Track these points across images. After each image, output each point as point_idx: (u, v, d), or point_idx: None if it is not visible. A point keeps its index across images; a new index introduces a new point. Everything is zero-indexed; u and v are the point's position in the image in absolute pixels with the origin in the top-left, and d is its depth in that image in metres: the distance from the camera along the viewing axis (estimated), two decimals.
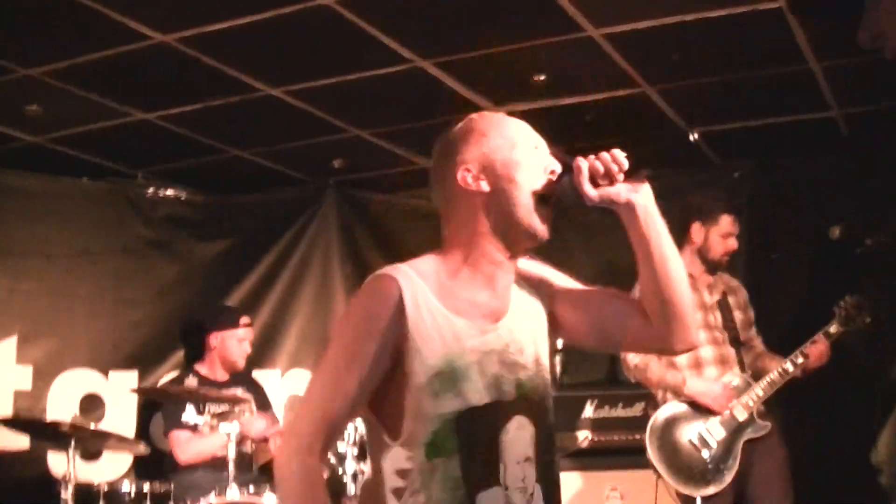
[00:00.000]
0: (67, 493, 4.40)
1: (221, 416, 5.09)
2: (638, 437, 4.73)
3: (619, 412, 5.35)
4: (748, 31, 4.34)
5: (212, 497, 4.37)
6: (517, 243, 2.11)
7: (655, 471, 4.42)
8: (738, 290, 4.75)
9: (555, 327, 2.21)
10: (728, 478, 4.32)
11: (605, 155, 2.02)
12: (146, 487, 4.68)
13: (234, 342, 5.50)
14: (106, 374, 5.84)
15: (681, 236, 4.61)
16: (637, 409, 5.28)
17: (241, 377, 5.58)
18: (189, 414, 4.96)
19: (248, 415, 5.16)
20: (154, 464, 5.23)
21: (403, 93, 5.05)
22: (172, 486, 4.81)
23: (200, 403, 5.10)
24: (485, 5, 4.19)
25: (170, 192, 6.29)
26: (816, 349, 4.45)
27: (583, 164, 2.03)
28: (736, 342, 4.58)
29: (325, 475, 2.06)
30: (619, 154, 2.02)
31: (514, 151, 2.11)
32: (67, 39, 4.39)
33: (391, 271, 2.06)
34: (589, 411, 5.36)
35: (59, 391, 5.67)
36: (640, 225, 2.05)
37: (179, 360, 6.04)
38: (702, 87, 5.01)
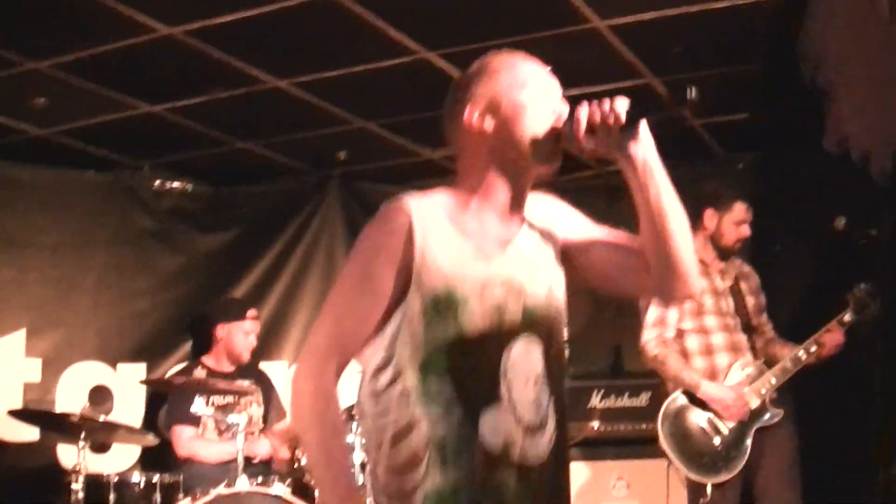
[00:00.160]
0: (78, 485, 4.42)
1: (228, 408, 5.12)
2: (644, 426, 4.76)
3: (625, 402, 5.37)
4: (752, 22, 4.35)
5: (221, 488, 4.38)
6: (521, 179, 2.14)
7: (667, 457, 4.42)
8: (750, 276, 4.75)
9: (564, 263, 2.23)
10: (739, 465, 4.33)
11: (603, 105, 2.01)
12: (156, 478, 4.71)
13: (241, 334, 5.52)
14: (114, 365, 5.86)
15: (693, 223, 4.62)
16: (643, 399, 5.30)
17: (248, 369, 5.59)
18: (198, 405, 4.98)
19: (257, 414, 5.20)
20: (162, 455, 5.25)
21: (408, 84, 5.06)
22: (181, 476, 4.84)
23: (208, 395, 5.12)
24: None
25: (175, 184, 6.31)
26: (832, 338, 4.44)
27: (582, 113, 2.03)
28: (748, 328, 4.58)
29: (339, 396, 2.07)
30: (620, 103, 2.01)
31: (522, 92, 2.12)
32: (73, 32, 4.40)
33: (402, 199, 2.10)
34: (595, 401, 5.37)
35: (67, 383, 5.70)
36: (637, 177, 2.05)
37: (186, 351, 6.06)
38: (706, 79, 5.02)
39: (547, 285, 2.16)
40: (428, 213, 2.09)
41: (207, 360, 5.53)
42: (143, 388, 5.79)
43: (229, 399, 5.24)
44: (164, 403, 5.42)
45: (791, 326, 4.82)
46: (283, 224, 6.47)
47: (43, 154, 5.77)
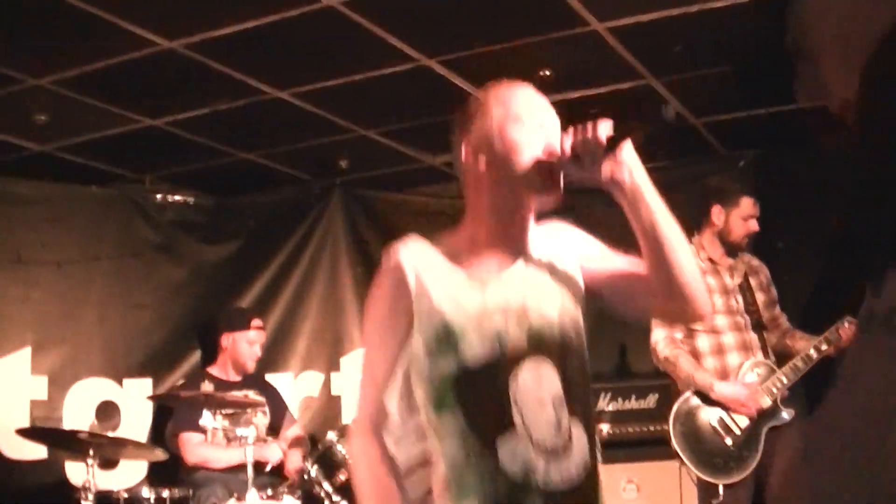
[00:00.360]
0: (88, 502, 4.41)
1: (235, 418, 5.11)
2: (652, 428, 4.74)
3: (633, 404, 5.36)
4: (751, 21, 4.35)
5: (231, 502, 4.38)
6: (520, 211, 2.15)
7: (678, 458, 4.40)
8: (759, 270, 4.72)
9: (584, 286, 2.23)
10: (751, 466, 4.31)
11: (585, 131, 2.01)
12: (165, 493, 4.70)
13: (245, 344, 5.50)
14: (120, 381, 5.86)
15: (700, 219, 4.63)
16: (651, 401, 5.29)
17: (254, 379, 5.59)
18: (206, 418, 4.97)
19: (263, 423, 5.19)
20: (170, 469, 5.23)
21: (409, 92, 5.06)
22: (190, 491, 4.83)
23: (215, 407, 5.11)
24: (489, 2, 4.21)
25: (178, 196, 6.31)
26: (846, 331, 4.39)
27: (565, 141, 2.04)
28: (758, 326, 4.57)
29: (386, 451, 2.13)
30: (601, 128, 2.00)
31: (514, 126, 2.12)
32: (75, 48, 4.41)
33: (394, 247, 2.15)
34: (602, 404, 5.37)
35: (74, 400, 5.69)
36: (627, 201, 2.05)
37: (192, 364, 6.05)
38: (706, 78, 5.02)
39: (558, 306, 2.14)
40: (419, 254, 2.13)
41: (213, 370, 5.53)
42: (149, 403, 5.77)
43: (237, 410, 5.23)
44: (170, 417, 5.41)
45: (797, 322, 4.81)
46: (287, 234, 6.48)
47: (46, 169, 5.77)
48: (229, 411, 5.17)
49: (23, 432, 4.90)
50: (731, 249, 4.62)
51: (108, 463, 5.33)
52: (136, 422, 5.76)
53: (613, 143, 1.99)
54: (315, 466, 4.50)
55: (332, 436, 4.70)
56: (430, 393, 2.05)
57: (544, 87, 5.46)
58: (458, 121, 2.22)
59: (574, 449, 2.05)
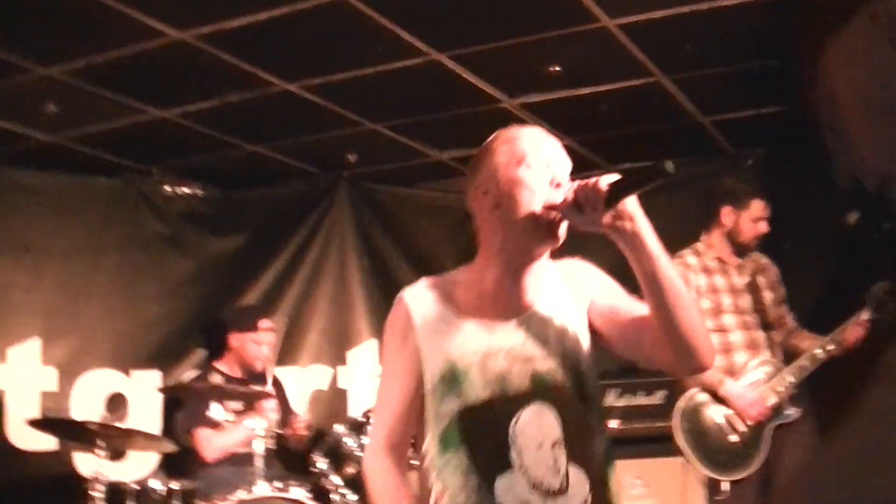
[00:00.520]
0: (100, 493, 4.41)
1: (244, 412, 5.10)
2: (660, 424, 4.73)
3: (641, 400, 5.36)
4: (760, 19, 4.34)
5: (240, 493, 4.38)
6: (528, 253, 2.18)
7: (683, 455, 4.40)
8: (767, 269, 4.71)
9: (589, 328, 2.26)
10: (756, 463, 4.31)
11: (588, 183, 2.03)
12: (175, 485, 4.70)
13: (253, 344, 5.45)
14: (128, 372, 5.88)
15: (706, 217, 4.63)
16: (658, 398, 5.28)
17: (261, 375, 5.58)
18: (215, 410, 4.97)
19: (272, 419, 5.18)
20: (178, 461, 5.23)
21: (418, 86, 5.06)
22: (199, 482, 4.83)
23: (225, 400, 5.11)
24: None
25: (186, 188, 6.31)
26: (853, 332, 4.39)
27: (569, 193, 2.07)
28: (766, 325, 4.57)
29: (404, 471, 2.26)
30: (604, 180, 2.01)
31: (519, 169, 2.15)
32: (84, 38, 4.41)
33: (405, 289, 2.27)
34: (611, 400, 5.36)
35: (82, 391, 5.71)
36: (630, 251, 2.06)
37: (199, 357, 6.05)
38: (714, 76, 5.02)
39: (563, 352, 2.19)
40: (425, 297, 2.23)
41: (220, 365, 5.51)
42: (157, 394, 5.78)
43: (246, 404, 5.22)
44: (179, 409, 5.40)
45: (803, 323, 4.80)
46: (295, 227, 6.48)
47: (54, 160, 5.78)
48: (239, 406, 5.16)
49: (34, 423, 4.89)
50: (741, 250, 4.62)
51: (118, 454, 5.33)
52: (143, 413, 5.76)
53: (614, 193, 2.00)
54: (323, 459, 4.51)
55: (339, 428, 4.70)
56: (437, 430, 2.15)
57: (553, 83, 5.51)
58: (472, 161, 2.27)
59: (571, 492, 2.12)
